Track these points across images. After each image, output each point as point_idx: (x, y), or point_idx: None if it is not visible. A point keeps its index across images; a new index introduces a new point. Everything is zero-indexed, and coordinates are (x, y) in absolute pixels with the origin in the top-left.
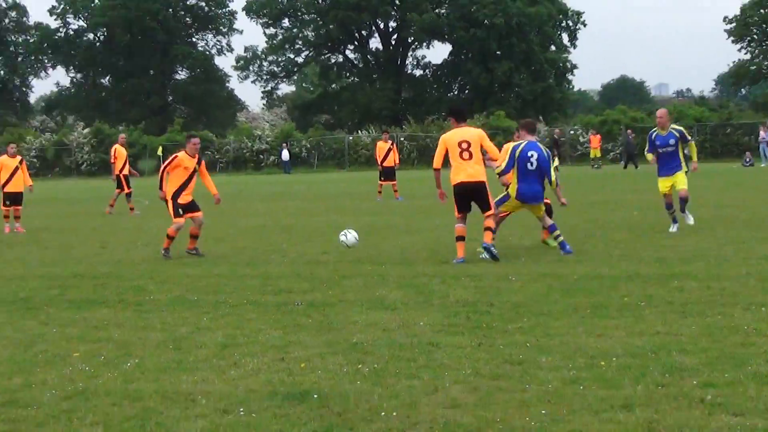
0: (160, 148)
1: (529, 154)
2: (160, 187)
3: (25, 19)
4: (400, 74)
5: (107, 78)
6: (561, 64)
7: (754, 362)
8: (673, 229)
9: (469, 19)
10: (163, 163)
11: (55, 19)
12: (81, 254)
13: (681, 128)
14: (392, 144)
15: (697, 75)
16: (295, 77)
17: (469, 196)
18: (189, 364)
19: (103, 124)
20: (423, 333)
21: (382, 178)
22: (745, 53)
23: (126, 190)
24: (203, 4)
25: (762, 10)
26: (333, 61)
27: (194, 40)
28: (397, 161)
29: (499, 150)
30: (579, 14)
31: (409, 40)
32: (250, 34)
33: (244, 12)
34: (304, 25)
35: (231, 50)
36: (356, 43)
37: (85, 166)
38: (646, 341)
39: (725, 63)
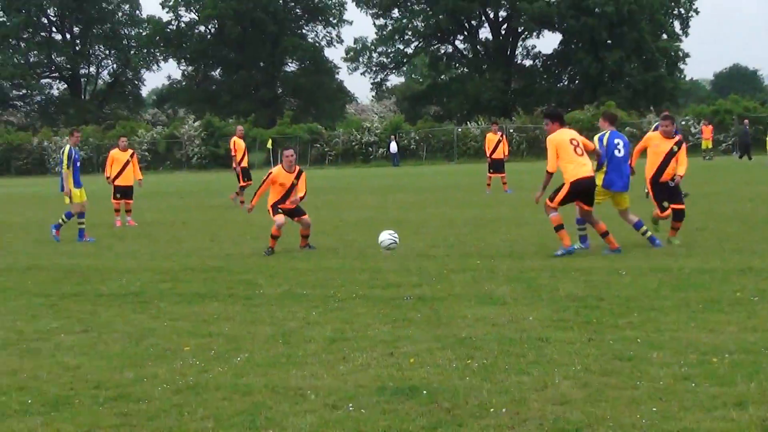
0: (270, 141)
1: (615, 141)
2: (250, 200)
3: (137, 12)
4: (510, 64)
5: (218, 70)
6: (672, 53)
7: None
8: None
9: (579, 7)
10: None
11: (167, 12)
12: (191, 248)
13: None
14: (501, 135)
15: None
16: (405, 68)
17: (590, 191)
18: (298, 358)
19: (213, 117)
20: (532, 328)
21: (491, 171)
22: None
23: (242, 183)
24: None
25: None
26: (442, 51)
27: (304, 31)
28: (507, 153)
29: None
30: (691, 1)
31: (519, 30)
32: (360, 25)
33: (354, 3)
34: (414, 15)
35: (341, 41)
36: (466, 33)
37: (195, 159)
38: (759, 337)
39: None
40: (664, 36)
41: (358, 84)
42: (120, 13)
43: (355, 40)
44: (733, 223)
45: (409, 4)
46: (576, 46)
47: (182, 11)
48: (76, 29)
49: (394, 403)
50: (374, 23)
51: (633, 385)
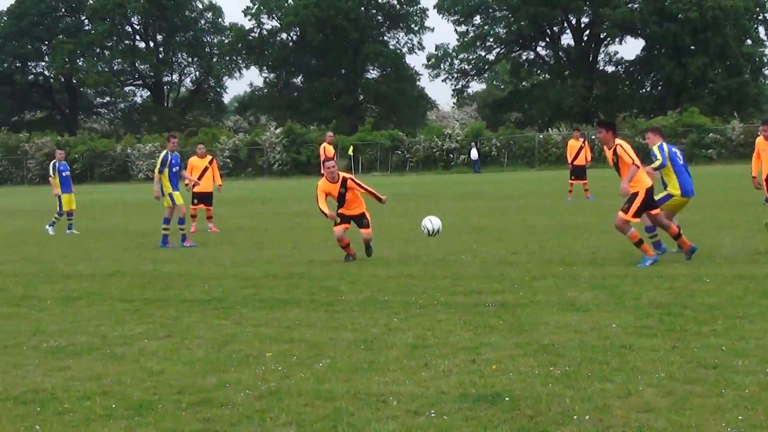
0: (351, 148)
1: (674, 150)
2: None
3: (220, 20)
4: (592, 70)
5: (299, 77)
6: (757, 59)
7: None
8: None
9: (662, 13)
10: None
11: (249, 20)
12: (273, 254)
13: None
14: (584, 142)
15: None
16: (486, 75)
17: (654, 197)
18: (380, 364)
19: (294, 124)
20: (615, 335)
21: (573, 177)
22: None
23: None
24: (395, 2)
25: None
26: (524, 58)
27: (386, 38)
28: (589, 159)
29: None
30: None
31: (602, 36)
32: (442, 31)
33: (436, 10)
34: (496, 22)
35: (422, 48)
36: (548, 39)
37: (277, 166)
38: None
39: None
40: (749, 41)
41: (440, 91)
42: (203, 21)
43: (437, 47)
44: None
45: (490, 10)
46: (659, 52)
47: (264, 19)
48: (159, 37)
49: (476, 410)
50: (456, 30)
51: (718, 393)
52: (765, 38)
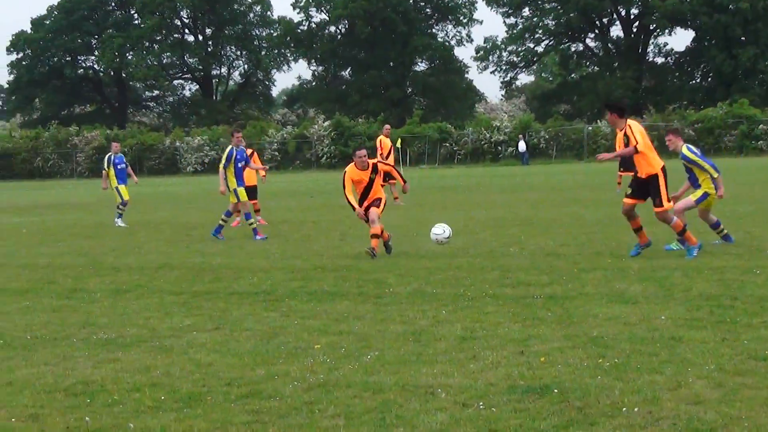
0: (399, 140)
1: (700, 151)
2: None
3: (268, 13)
4: (641, 62)
5: (347, 70)
6: None
7: None
8: None
9: (712, 4)
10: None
11: (298, 13)
12: (321, 247)
13: None
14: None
15: None
16: (535, 67)
17: None
18: (428, 356)
19: (342, 117)
20: (665, 327)
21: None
22: None
23: (391, 181)
24: None
25: None
26: (573, 49)
27: (434, 31)
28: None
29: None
30: None
31: (651, 27)
32: (490, 24)
33: (485, 2)
34: (545, 13)
35: (470, 41)
36: (597, 31)
37: (325, 159)
38: None
39: None
40: None
41: (488, 83)
42: (251, 15)
43: (485, 39)
44: None
45: (539, 2)
46: (709, 43)
47: (313, 12)
48: (208, 31)
49: (525, 402)
50: (504, 22)
51: None
52: None
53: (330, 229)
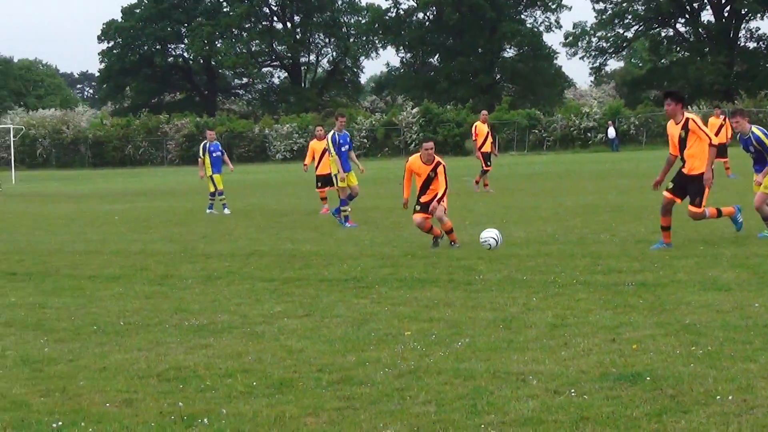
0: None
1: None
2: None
3: (357, 0)
4: (732, 47)
5: (436, 57)
6: None
7: None
8: None
9: None
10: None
11: (386, 0)
12: (411, 234)
13: None
14: (724, 120)
15: None
16: (624, 52)
17: None
18: (519, 343)
19: (431, 104)
20: (759, 315)
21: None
22: None
23: (485, 168)
24: None
25: None
26: (663, 35)
27: (523, 17)
28: (729, 137)
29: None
30: None
31: (743, 12)
32: (579, 9)
33: None
34: None
35: (559, 26)
36: (687, 15)
37: (413, 146)
38: None
39: None
40: None
41: (577, 69)
42: (339, 2)
43: (574, 25)
44: None
45: None
46: None
47: None
48: (296, 18)
49: (617, 390)
50: (593, 7)
51: None
52: None
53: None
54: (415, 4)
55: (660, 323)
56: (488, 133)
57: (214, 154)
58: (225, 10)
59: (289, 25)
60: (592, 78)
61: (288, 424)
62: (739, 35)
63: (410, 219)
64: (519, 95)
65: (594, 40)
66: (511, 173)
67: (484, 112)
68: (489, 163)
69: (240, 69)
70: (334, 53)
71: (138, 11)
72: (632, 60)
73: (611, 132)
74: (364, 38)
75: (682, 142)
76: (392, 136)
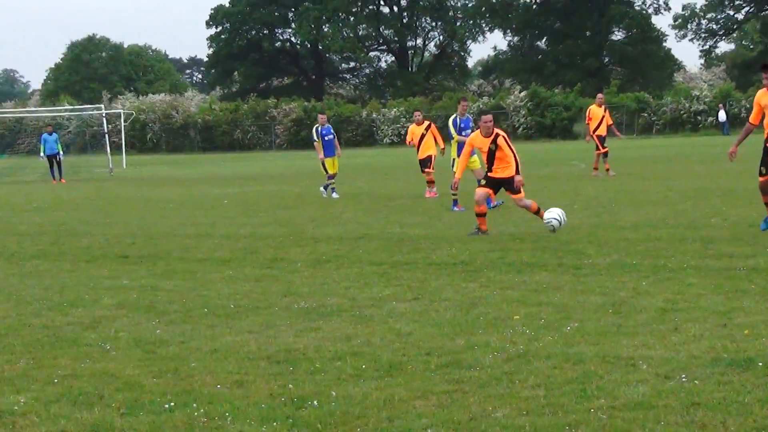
0: None
1: None
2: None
3: None
4: None
5: (543, 40)
6: None
7: None
8: None
9: None
10: None
11: None
12: (519, 218)
13: None
14: None
15: None
16: (735, 34)
17: None
18: (629, 328)
19: (539, 87)
20: None
21: None
22: None
23: (601, 150)
24: None
25: None
26: None
27: None
28: None
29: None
30: None
31: None
32: None
33: None
34: None
35: (668, 9)
36: None
37: (521, 130)
38: None
39: None
40: None
41: (687, 52)
42: None
43: (684, 7)
44: None
45: None
46: None
47: None
48: (403, 2)
49: (729, 375)
50: None
51: None
52: None
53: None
54: None
55: None
56: (603, 116)
57: (326, 138)
58: None
59: (396, 8)
60: (702, 60)
61: (397, 407)
62: None
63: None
64: (627, 78)
65: (703, 22)
66: (620, 157)
67: (600, 95)
68: (605, 145)
69: (347, 53)
70: (441, 37)
71: None
72: (743, 42)
73: (722, 115)
74: (471, 21)
75: None
76: (500, 120)
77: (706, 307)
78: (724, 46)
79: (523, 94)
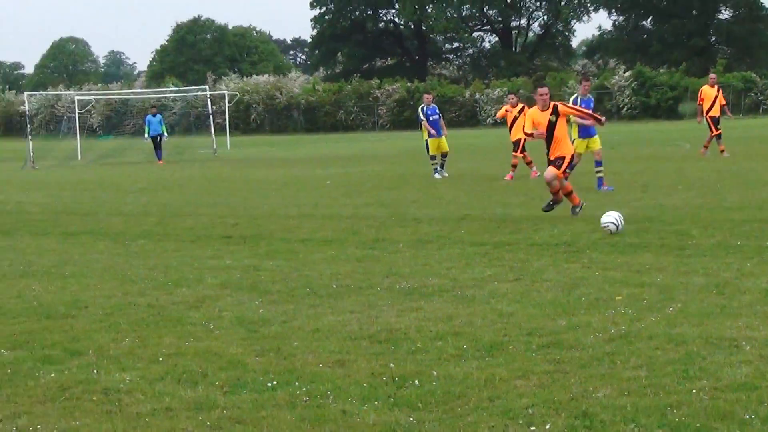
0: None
1: None
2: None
3: None
4: None
5: (648, 20)
6: None
7: None
8: None
9: None
10: None
11: None
12: (623, 199)
13: None
14: None
15: None
16: None
17: None
18: (732, 309)
19: (643, 67)
20: None
21: None
22: None
23: (714, 132)
24: None
25: None
26: None
27: None
28: None
29: None
30: None
31: None
32: None
33: None
34: None
35: None
36: None
37: (626, 110)
38: None
39: None
40: None
41: None
42: None
43: None
44: None
45: None
46: None
47: None
48: None
49: None
50: None
51: None
52: None
53: (632, 180)
54: None
55: None
56: (716, 97)
57: (431, 118)
58: None
59: None
60: None
61: (498, 387)
62: None
63: (620, 184)
64: (734, 58)
65: None
66: (727, 137)
67: (713, 75)
68: (718, 127)
69: (451, 33)
70: (545, 17)
71: None
72: None
73: None
74: (576, 1)
75: None
76: (604, 100)
77: None
78: None
79: (627, 74)
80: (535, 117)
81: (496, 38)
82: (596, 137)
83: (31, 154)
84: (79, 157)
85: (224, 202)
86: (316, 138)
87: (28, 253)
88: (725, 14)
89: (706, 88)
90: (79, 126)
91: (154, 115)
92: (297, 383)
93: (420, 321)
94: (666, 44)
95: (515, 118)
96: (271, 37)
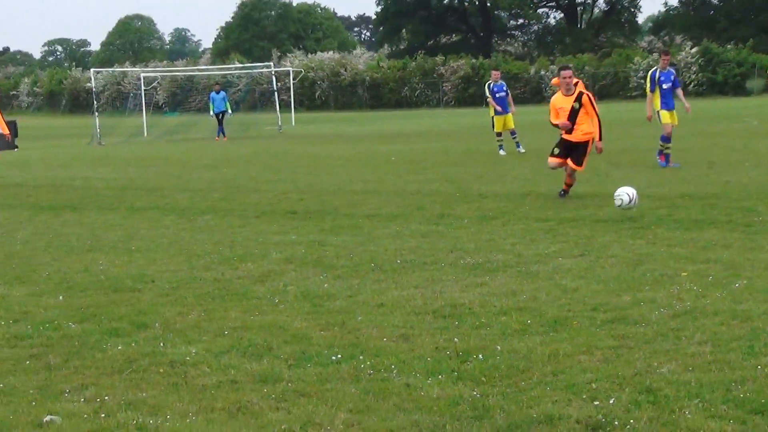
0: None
1: None
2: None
3: None
4: None
5: None
6: None
7: None
8: None
9: None
10: None
11: None
12: (689, 175)
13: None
14: None
15: None
16: None
17: None
18: None
19: (710, 43)
20: None
21: None
22: None
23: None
24: None
25: None
26: None
27: None
28: None
29: None
30: None
31: None
32: None
33: None
34: None
35: None
36: None
37: (692, 86)
38: None
39: None
40: None
41: None
42: None
43: None
44: None
45: None
46: None
47: None
48: None
49: None
50: None
51: None
52: None
53: (698, 157)
54: None
55: None
56: None
57: (497, 95)
58: None
59: None
60: None
61: (562, 362)
62: None
63: (687, 160)
64: None
65: None
66: None
67: None
68: None
69: (516, 10)
70: None
71: None
72: None
73: None
74: None
75: None
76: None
77: None
78: None
79: (694, 50)
80: (557, 103)
81: (561, 14)
82: (674, 111)
83: (98, 130)
84: (145, 134)
85: (289, 178)
86: (381, 114)
87: (96, 227)
88: None
89: None
90: (145, 103)
91: (218, 92)
92: (361, 357)
93: (484, 296)
94: (733, 20)
95: None
96: (336, 14)
